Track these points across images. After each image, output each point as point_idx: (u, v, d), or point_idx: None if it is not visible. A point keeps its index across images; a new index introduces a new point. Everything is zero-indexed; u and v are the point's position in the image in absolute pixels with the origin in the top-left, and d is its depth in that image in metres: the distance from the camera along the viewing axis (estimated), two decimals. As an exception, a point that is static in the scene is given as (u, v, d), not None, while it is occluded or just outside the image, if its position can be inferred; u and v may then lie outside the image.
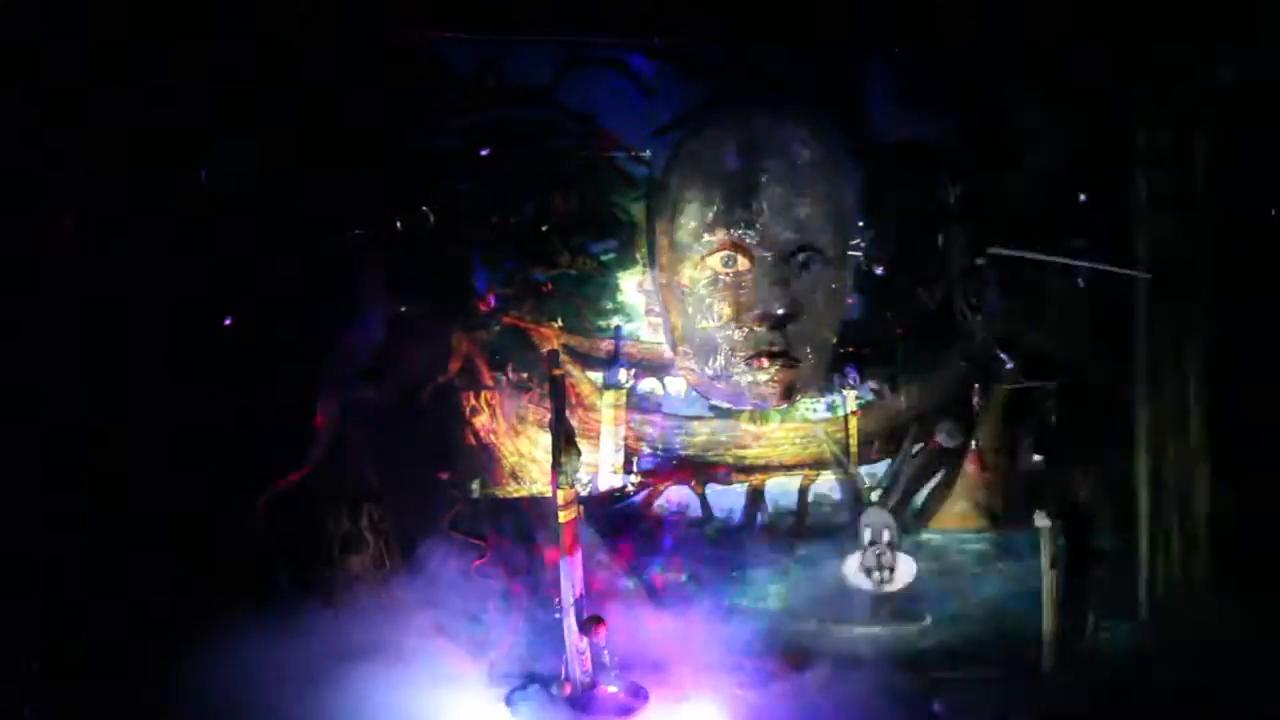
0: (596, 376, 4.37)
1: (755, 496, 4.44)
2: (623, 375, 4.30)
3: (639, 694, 4.09)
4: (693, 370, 4.11)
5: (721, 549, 4.40)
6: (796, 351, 3.88)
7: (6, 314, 3.78)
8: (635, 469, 4.33)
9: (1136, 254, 4.23)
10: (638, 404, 4.40)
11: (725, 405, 4.25)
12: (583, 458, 4.12)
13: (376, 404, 4.18)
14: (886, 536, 4.20)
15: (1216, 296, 4.21)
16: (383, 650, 4.26)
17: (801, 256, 3.85)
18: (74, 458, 3.87)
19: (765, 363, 3.85)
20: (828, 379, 4.25)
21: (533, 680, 4.17)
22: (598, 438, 4.31)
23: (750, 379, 3.91)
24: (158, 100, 3.81)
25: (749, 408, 4.23)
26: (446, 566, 4.27)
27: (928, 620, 4.27)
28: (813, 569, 4.38)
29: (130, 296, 3.91)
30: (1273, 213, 4.18)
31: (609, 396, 4.25)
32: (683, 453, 4.38)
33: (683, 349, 4.09)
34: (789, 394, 4.01)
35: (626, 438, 4.33)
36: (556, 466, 3.88)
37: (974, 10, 4.14)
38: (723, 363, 3.93)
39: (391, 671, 4.27)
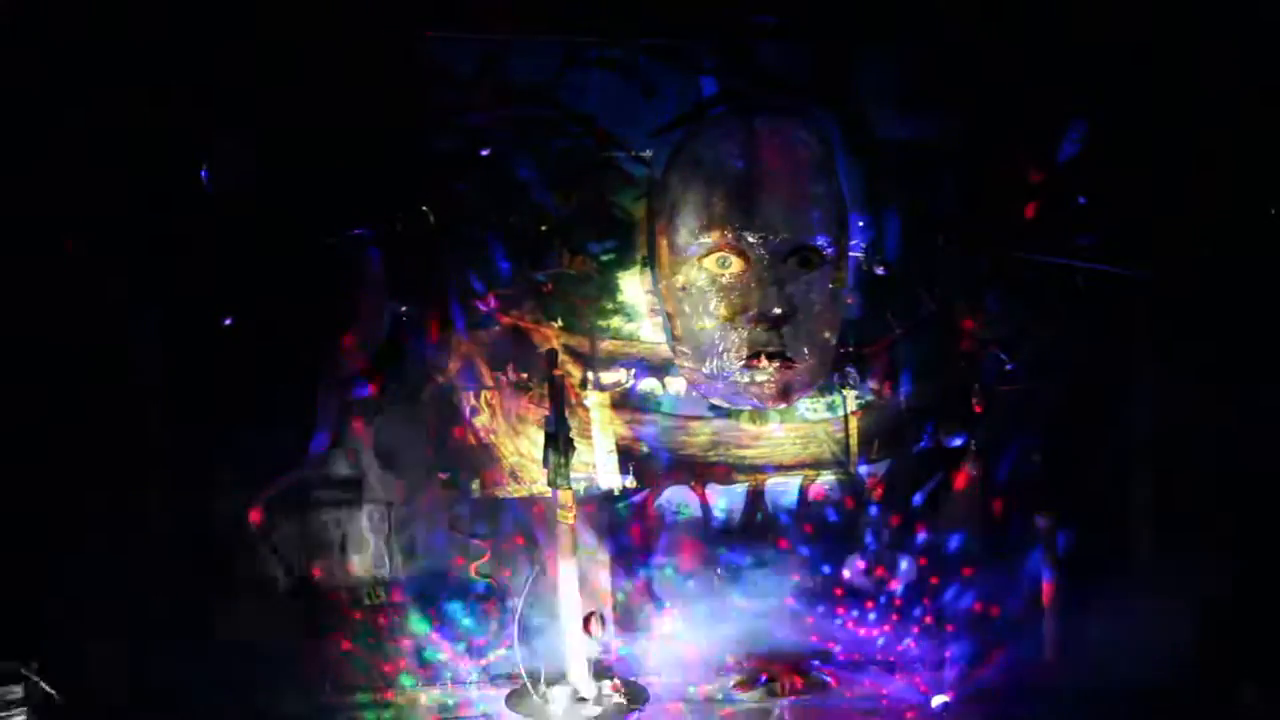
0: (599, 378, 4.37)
1: (755, 496, 4.44)
2: (609, 377, 4.30)
3: (639, 694, 4.10)
4: (692, 370, 4.11)
5: (721, 549, 4.41)
6: (794, 352, 3.87)
7: (7, 313, 3.79)
8: (633, 469, 4.33)
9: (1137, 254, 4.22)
10: (637, 403, 4.40)
11: (725, 405, 4.25)
12: (581, 458, 4.13)
13: (376, 404, 4.19)
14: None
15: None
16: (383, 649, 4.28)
17: (798, 257, 3.85)
18: (74, 457, 3.88)
19: (762, 363, 3.84)
20: (828, 379, 4.24)
21: (532, 680, 4.18)
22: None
23: (748, 379, 3.91)
24: (158, 100, 3.81)
25: (748, 407, 4.23)
26: (446, 567, 4.28)
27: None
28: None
29: (130, 296, 3.91)
30: (1273, 212, 4.17)
31: (595, 398, 4.25)
32: (683, 453, 4.38)
33: (682, 349, 4.09)
34: (787, 394, 3.99)
35: (625, 437, 4.33)
36: (547, 465, 3.89)
37: (975, 7, 4.13)
38: (720, 363, 3.92)
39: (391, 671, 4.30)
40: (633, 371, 4.37)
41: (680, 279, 3.92)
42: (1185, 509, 4.21)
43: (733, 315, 3.84)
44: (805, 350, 3.90)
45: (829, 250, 3.88)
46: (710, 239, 3.82)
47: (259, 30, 3.87)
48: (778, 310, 3.78)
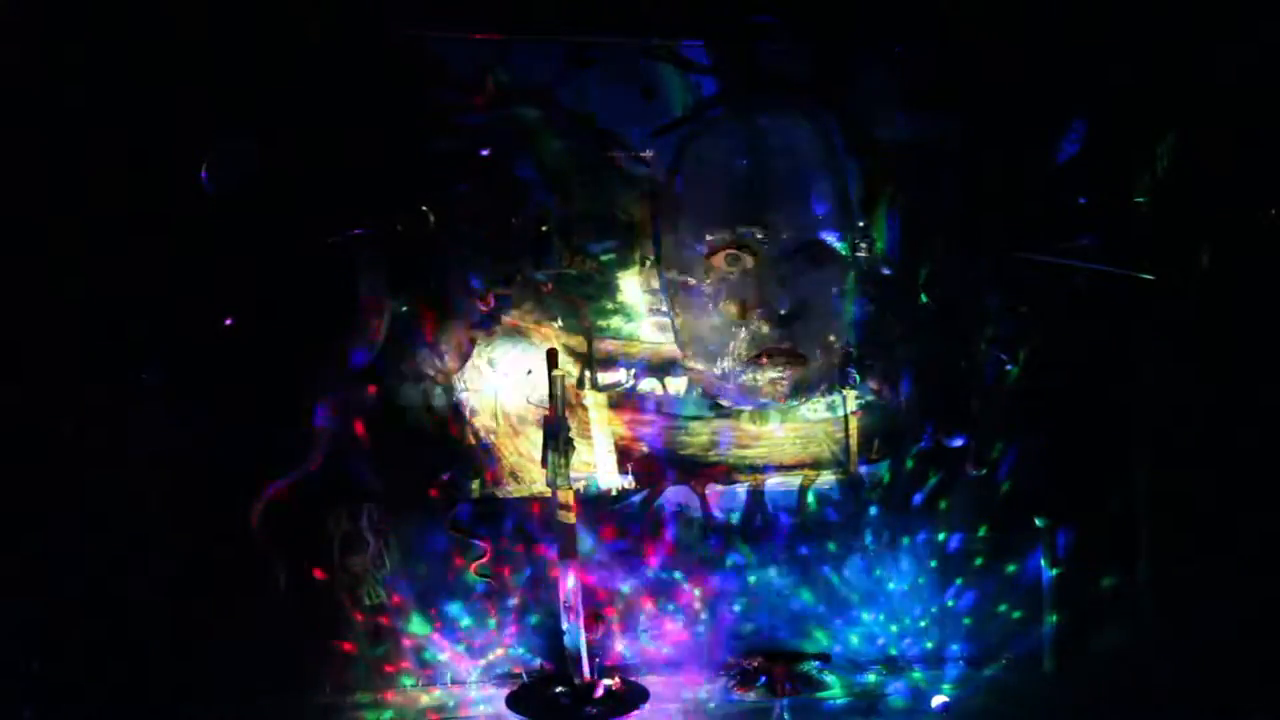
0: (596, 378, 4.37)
1: (755, 496, 4.44)
2: (609, 377, 4.30)
3: (639, 693, 4.10)
4: (701, 370, 4.12)
5: (721, 549, 4.41)
6: (803, 349, 3.87)
7: (7, 314, 3.79)
8: (633, 469, 4.33)
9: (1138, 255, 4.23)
10: (637, 404, 4.40)
11: (735, 405, 4.25)
12: (581, 457, 4.13)
13: (376, 404, 4.18)
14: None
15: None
16: (383, 649, 4.28)
17: (806, 253, 3.85)
18: (74, 458, 3.88)
19: (767, 361, 3.84)
20: (834, 378, 4.24)
21: (533, 680, 4.18)
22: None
23: (758, 377, 3.91)
24: (158, 100, 3.81)
25: (750, 407, 4.23)
26: (446, 567, 4.28)
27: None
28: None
29: (130, 296, 3.91)
30: (1273, 213, 4.17)
31: (594, 397, 4.25)
32: (683, 453, 4.38)
33: (690, 349, 4.09)
34: (797, 391, 4.00)
35: (625, 438, 4.33)
36: (547, 464, 3.89)
37: (975, 7, 4.14)
38: (730, 362, 3.92)
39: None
40: (633, 371, 4.37)
41: (688, 278, 3.92)
42: (1185, 509, 4.21)
43: (741, 313, 3.85)
44: (815, 348, 3.90)
45: (837, 245, 3.88)
46: (717, 237, 3.83)
47: (259, 30, 3.87)
48: (786, 308, 3.78)
